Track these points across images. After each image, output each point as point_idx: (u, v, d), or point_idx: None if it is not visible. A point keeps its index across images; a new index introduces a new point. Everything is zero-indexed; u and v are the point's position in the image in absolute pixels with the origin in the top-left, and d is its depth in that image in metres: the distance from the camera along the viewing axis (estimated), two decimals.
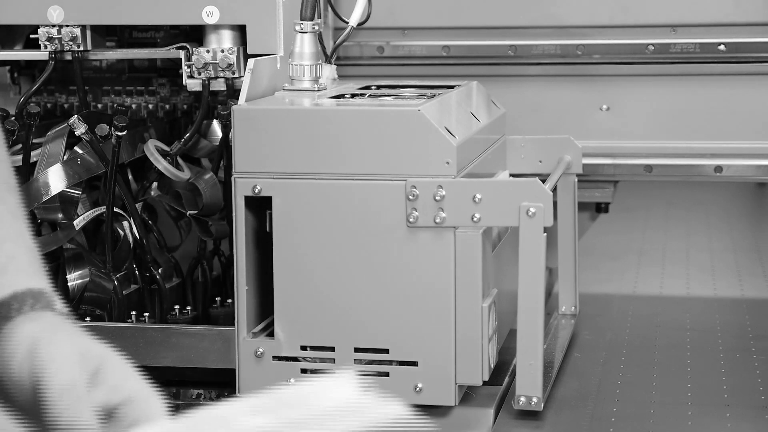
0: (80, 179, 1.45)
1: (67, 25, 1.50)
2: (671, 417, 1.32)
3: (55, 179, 1.43)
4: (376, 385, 1.30)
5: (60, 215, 1.46)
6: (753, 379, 1.43)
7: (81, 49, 1.51)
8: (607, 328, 1.63)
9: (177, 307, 1.52)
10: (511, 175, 1.58)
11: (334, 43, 1.58)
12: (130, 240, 1.51)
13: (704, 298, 1.78)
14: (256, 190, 1.30)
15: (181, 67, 1.49)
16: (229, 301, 1.52)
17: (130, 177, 1.56)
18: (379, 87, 1.52)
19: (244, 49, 1.47)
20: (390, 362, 1.30)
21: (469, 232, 1.27)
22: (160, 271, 1.52)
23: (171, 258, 1.56)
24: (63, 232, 1.45)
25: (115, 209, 1.46)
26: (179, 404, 1.37)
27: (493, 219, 1.27)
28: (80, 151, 1.46)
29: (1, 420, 0.83)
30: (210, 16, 1.46)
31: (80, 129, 1.42)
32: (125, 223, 1.51)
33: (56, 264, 1.48)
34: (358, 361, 1.30)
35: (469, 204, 1.27)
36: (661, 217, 2.28)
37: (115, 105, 1.63)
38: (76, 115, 1.43)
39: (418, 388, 1.29)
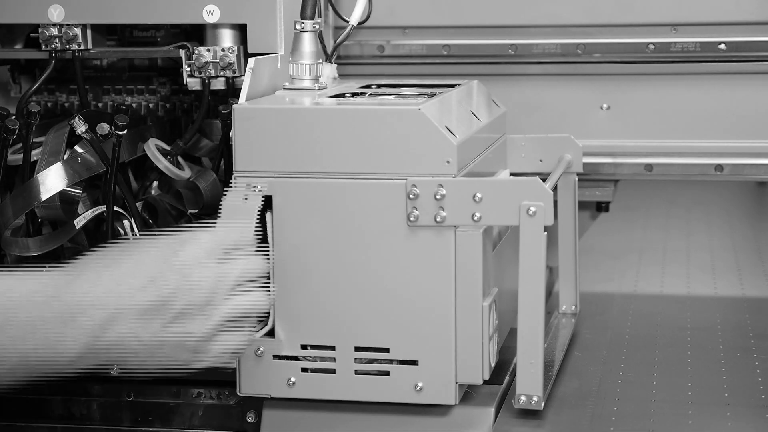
0: (81, 178, 1.45)
1: (68, 24, 1.50)
2: (672, 416, 1.32)
3: (56, 178, 1.43)
4: (377, 384, 1.30)
5: (60, 214, 1.46)
6: (753, 378, 1.43)
7: (81, 48, 1.51)
8: (607, 327, 1.63)
9: None
10: (511, 174, 1.58)
11: (335, 42, 1.58)
12: (131, 239, 1.51)
13: (705, 297, 1.78)
14: (257, 190, 1.30)
15: (182, 66, 1.49)
16: None
17: (130, 176, 1.56)
18: (379, 86, 1.52)
19: (245, 48, 1.47)
20: (390, 361, 1.30)
21: (469, 231, 1.27)
22: None
23: None
24: (63, 231, 1.45)
25: (116, 208, 1.46)
26: (180, 403, 1.37)
27: (494, 218, 1.27)
28: (81, 150, 1.46)
29: None
30: (210, 15, 1.46)
31: (81, 128, 1.42)
32: (126, 222, 1.51)
33: (56, 263, 1.48)
34: (358, 360, 1.30)
35: (469, 203, 1.27)
36: (661, 216, 2.28)
37: (115, 104, 1.63)
38: (76, 114, 1.43)
39: (418, 387, 1.29)
